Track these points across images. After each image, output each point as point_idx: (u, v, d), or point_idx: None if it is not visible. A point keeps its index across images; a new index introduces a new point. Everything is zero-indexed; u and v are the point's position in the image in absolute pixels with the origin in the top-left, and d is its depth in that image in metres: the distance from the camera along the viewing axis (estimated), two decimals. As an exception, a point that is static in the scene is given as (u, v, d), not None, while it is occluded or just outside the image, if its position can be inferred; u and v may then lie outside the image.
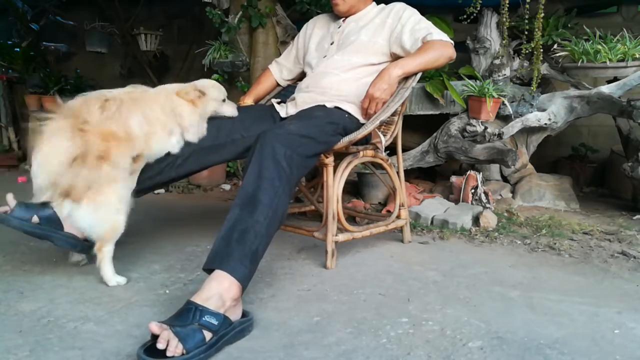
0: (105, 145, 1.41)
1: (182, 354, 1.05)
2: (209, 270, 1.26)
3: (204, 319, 1.12)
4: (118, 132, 1.44)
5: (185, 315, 1.12)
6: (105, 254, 1.47)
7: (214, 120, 1.70)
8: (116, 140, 1.43)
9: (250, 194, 1.35)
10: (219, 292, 1.18)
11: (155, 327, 1.07)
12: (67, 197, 1.41)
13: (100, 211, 1.42)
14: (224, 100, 1.71)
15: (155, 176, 1.62)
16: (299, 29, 2.23)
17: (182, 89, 1.62)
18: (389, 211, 2.41)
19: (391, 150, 2.12)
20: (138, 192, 1.60)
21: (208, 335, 1.11)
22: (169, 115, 1.56)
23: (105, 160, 1.41)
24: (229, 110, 1.73)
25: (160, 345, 1.04)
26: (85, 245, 1.49)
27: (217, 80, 3.35)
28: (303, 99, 1.89)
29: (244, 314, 1.25)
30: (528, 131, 3.06)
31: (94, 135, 1.40)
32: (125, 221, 1.48)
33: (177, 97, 1.60)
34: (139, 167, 1.54)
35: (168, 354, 1.04)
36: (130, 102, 1.51)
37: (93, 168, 1.39)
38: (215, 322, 1.13)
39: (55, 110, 1.44)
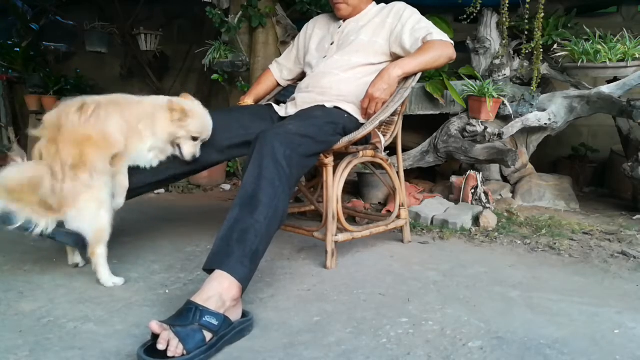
0: (78, 150, 1.41)
1: (183, 355, 1.05)
2: (209, 270, 1.26)
3: (204, 319, 1.12)
4: (93, 134, 1.44)
5: (186, 315, 1.12)
6: (98, 257, 1.48)
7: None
8: (91, 143, 1.43)
9: (250, 194, 1.35)
10: (219, 292, 1.18)
11: (155, 326, 1.07)
12: (50, 211, 1.41)
13: (83, 218, 1.42)
14: (194, 139, 1.58)
15: (153, 175, 1.62)
16: (299, 29, 2.23)
17: (174, 101, 1.55)
18: (389, 211, 2.41)
19: (391, 150, 2.12)
20: (137, 191, 1.60)
21: (208, 335, 1.11)
22: (146, 125, 1.53)
23: (80, 167, 1.41)
24: (187, 150, 1.58)
25: (161, 346, 1.04)
26: (73, 240, 1.48)
27: (217, 80, 3.39)
28: (303, 99, 1.89)
29: (244, 314, 1.25)
30: (528, 131, 3.06)
31: (65, 143, 1.41)
32: (110, 222, 1.47)
33: (166, 106, 1.54)
34: (122, 167, 1.53)
35: (169, 354, 1.04)
36: (108, 104, 1.51)
37: (69, 180, 1.40)
38: (216, 323, 1.13)
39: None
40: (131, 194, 1.60)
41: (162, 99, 1.60)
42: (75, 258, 1.65)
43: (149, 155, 1.57)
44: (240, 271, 1.23)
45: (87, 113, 1.46)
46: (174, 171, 1.66)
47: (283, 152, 1.41)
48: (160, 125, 1.54)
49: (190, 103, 1.59)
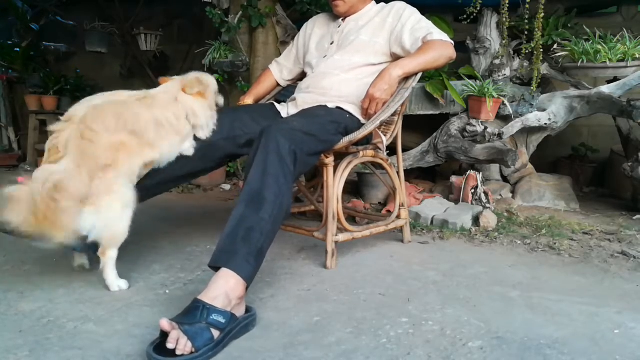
0: (113, 155, 1.39)
1: (192, 352, 1.06)
2: (214, 267, 1.26)
3: (211, 317, 1.13)
4: (130, 141, 1.43)
5: (193, 314, 1.13)
6: (109, 259, 1.45)
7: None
8: (127, 149, 1.42)
9: (256, 190, 1.35)
10: (226, 291, 1.19)
11: (165, 324, 1.08)
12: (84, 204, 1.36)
13: (103, 216, 1.38)
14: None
15: (161, 178, 1.61)
16: (299, 29, 2.23)
17: (186, 83, 1.59)
18: (389, 211, 2.41)
19: (391, 150, 2.12)
20: (144, 196, 1.60)
21: (216, 333, 1.12)
22: (180, 120, 1.55)
23: (111, 168, 1.39)
24: (221, 100, 1.71)
25: (170, 345, 1.06)
26: (86, 246, 1.48)
27: (217, 80, 3.39)
28: (304, 100, 1.89)
29: (247, 309, 1.27)
30: (528, 131, 3.06)
31: (101, 147, 1.38)
32: (128, 227, 1.45)
33: (184, 93, 1.58)
34: (146, 171, 1.53)
35: (177, 352, 1.06)
36: (144, 108, 1.49)
37: (97, 179, 1.37)
38: (223, 320, 1.14)
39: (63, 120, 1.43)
40: (150, 192, 1.63)
41: (175, 85, 1.61)
42: (82, 259, 1.62)
43: (185, 146, 1.59)
44: (246, 269, 1.24)
45: (127, 119, 1.44)
46: (180, 172, 1.66)
47: (288, 148, 1.42)
48: (200, 109, 1.59)
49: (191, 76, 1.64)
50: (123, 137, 1.42)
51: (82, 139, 1.37)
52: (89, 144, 1.37)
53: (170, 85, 1.61)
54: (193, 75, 1.64)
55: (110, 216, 1.40)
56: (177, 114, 1.54)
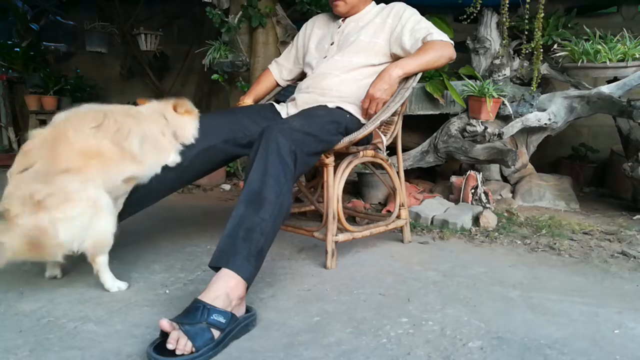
0: (82, 161, 1.34)
1: (192, 352, 1.07)
2: (215, 267, 1.27)
3: (212, 317, 1.13)
4: (109, 151, 1.39)
5: (194, 314, 1.14)
6: (100, 264, 1.43)
7: (215, 121, 1.71)
8: (103, 159, 1.38)
9: (256, 190, 1.35)
10: (226, 291, 1.20)
11: (165, 324, 1.08)
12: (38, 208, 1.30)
13: (73, 224, 1.32)
14: None
15: (163, 184, 1.60)
16: (299, 29, 2.23)
17: (177, 103, 1.61)
18: (389, 211, 2.41)
19: (391, 150, 2.12)
20: (148, 202, 1.61)
21: (216, 333, 1.13)
22: (167, 135, 1.55)
23: (72, 174, 1.33)
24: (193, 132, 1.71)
25: (170, 345, 1.07)
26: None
27: (217, 80, 3.39)
28: (304, 100, 1.89)
29: (248, 309, 1.27)
30: (528, 131, 3.06)
31: (68, 150, 1.33)
32: (112, 230, 1.40)
33: (173, 110, 1.59)
34: (130, 187, 1.50)
35: (177, 352, 1.06)
36: (130, 120, 1.47)
37: (53, 181, 1.31)
38: (223, 320, 1.14)
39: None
40: (153, 197, 1.63)
41: (162, 104, 1.61)
42: (54, 270, 1.55)
43: (170, 159, 1.58)
44: (246, 270, 1.24)
45: (109, 128, 1.41)
46: (187, 175, 1.66)
47: (288, 148, 1.42)
48: (189, 125, 1.62)
49: (164, 101, 1.65)
50: (102, 145, 1.38)
51: (53, 141, 1.34)
52: (58, 145, 1.34)
53: (155, 105, 1.61)
54: (177, 99, 1.66)
55: (80, 224, 1.33)
56: (163, 130, 1.55)
